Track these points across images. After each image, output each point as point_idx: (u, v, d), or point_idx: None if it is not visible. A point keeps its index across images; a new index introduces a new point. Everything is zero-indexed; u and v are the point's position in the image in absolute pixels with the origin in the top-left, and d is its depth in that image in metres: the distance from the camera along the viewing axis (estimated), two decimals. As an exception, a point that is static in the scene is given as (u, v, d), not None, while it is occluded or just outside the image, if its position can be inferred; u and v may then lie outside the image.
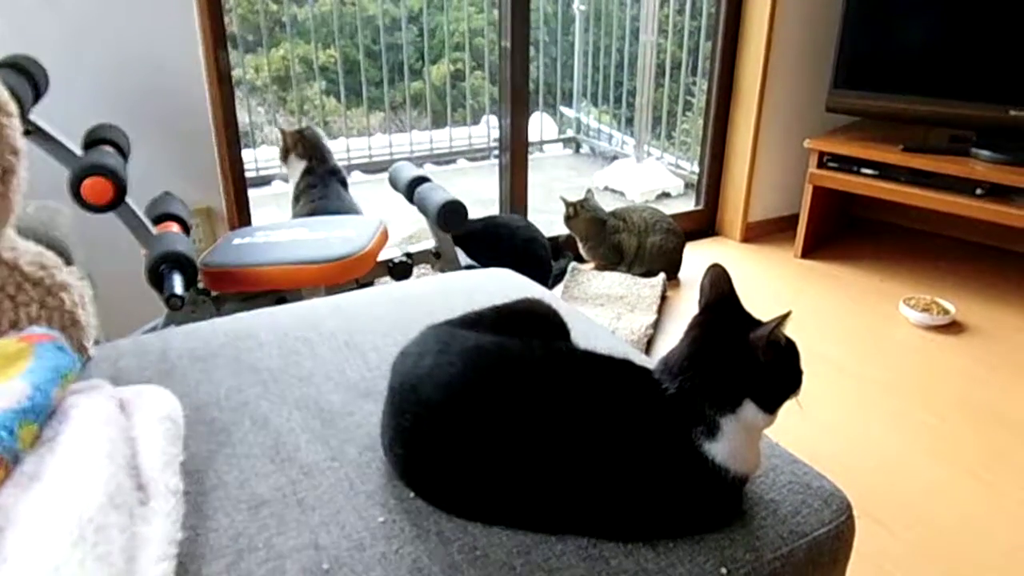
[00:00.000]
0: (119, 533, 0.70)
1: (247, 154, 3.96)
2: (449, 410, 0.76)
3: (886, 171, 2.48)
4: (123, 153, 1.50)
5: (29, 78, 1.35)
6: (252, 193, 3.82)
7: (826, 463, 1.65)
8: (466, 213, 1.69)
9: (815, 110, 2.69)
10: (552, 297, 1.30)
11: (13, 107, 0.88)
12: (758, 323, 0.76)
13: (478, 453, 0.74)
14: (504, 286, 1.33)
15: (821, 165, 2.63)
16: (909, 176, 2.43)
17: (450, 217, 1.67)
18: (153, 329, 1.63)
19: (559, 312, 0.92)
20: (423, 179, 1.81)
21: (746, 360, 0.73)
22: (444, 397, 0.76)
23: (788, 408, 0.77)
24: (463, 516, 0.76)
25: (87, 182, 1.28)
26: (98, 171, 1.29)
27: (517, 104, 2.57)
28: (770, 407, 0.75)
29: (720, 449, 0.73)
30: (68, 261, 1.05)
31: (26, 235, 1.05)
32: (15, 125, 0.89)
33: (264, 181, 3.89)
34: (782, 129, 2.83)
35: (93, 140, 1.47)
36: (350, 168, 4.23)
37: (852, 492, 1.61)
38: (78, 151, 1.44)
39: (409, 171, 1.85)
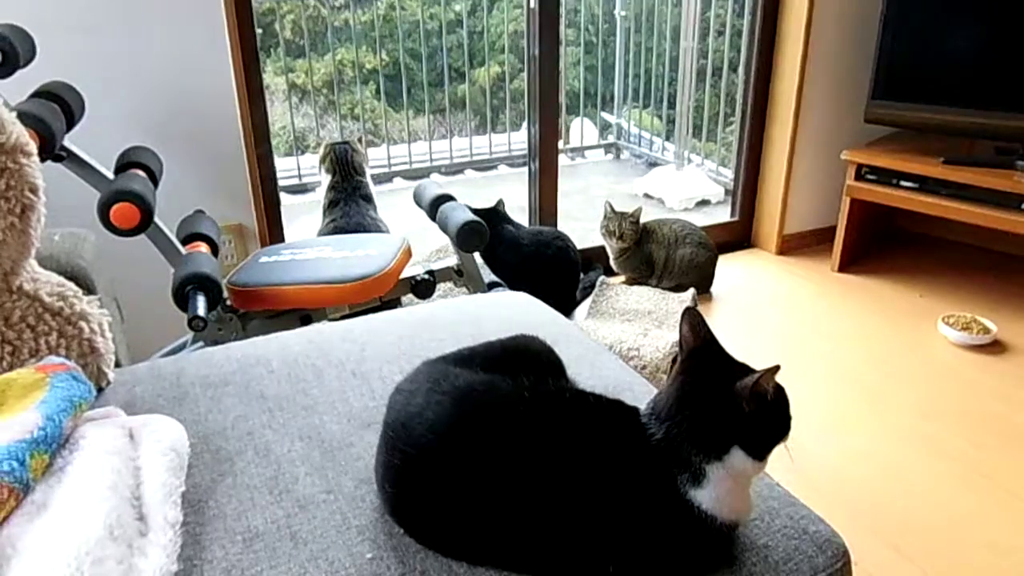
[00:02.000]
0: (116, 565, 0.72)
1: (290, 162, 4.06)
2: (437, 451, 0.77)
3: (926, 184, 2.41)
4: (154, 176, 1.55)
5: (63, 105, 1.41)
6: (296, 199, 3.93)
7: (853, 490, 1.63)
8: (487, 234, 1.69)
9: (853, 121, 2.63)
10: (566, 325, 1.30)
11: (32, 147, 0.92)
12: (744, 369, 0.75)
13: (464, 495, 0.75)
14: (518, 312, 1.33)
15: (859, 177, 2.57)
16: (950, 190, 2.36)
17: (469, 237, 1.68)
18: (183, 345, 1.68)
19: (554, 350, 0.92)
20: (446, 198, 1.82)
21: (732, 409, 0.72)
22: (432, 438, 0.78)
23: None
24: (449, 555, 0.77)
25: (115, 208, 1.32)
26: (125, 197, 1.33)
27: (546, 111, 2.57)
28: (759, 454, 0.74)
29: (706, 496, 0.73)
30: (90, 289, 1.10)
31: (50, 263, 1.10)
32: (35, 163, 0.93)
33: (305, 188, 3.97)
34: (819, 140, 2.78)
35: (125, 164, 1.53)
36: (392, 175, 4.30)
37: (878, 521, 1.58)
38: (110, 175, 1.49)
39: (433, 190, 1.87)
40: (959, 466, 1.71)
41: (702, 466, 0.73)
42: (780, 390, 0.75)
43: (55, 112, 1.33)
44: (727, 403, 0.72)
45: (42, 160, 1.25)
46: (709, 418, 0.73)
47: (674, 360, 0.82)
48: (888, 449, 1.77)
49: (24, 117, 1.22)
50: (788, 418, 0.76)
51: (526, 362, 0.89)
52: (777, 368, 0.70)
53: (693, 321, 0.79)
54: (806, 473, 1.64)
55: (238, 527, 0.82)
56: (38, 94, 1.39)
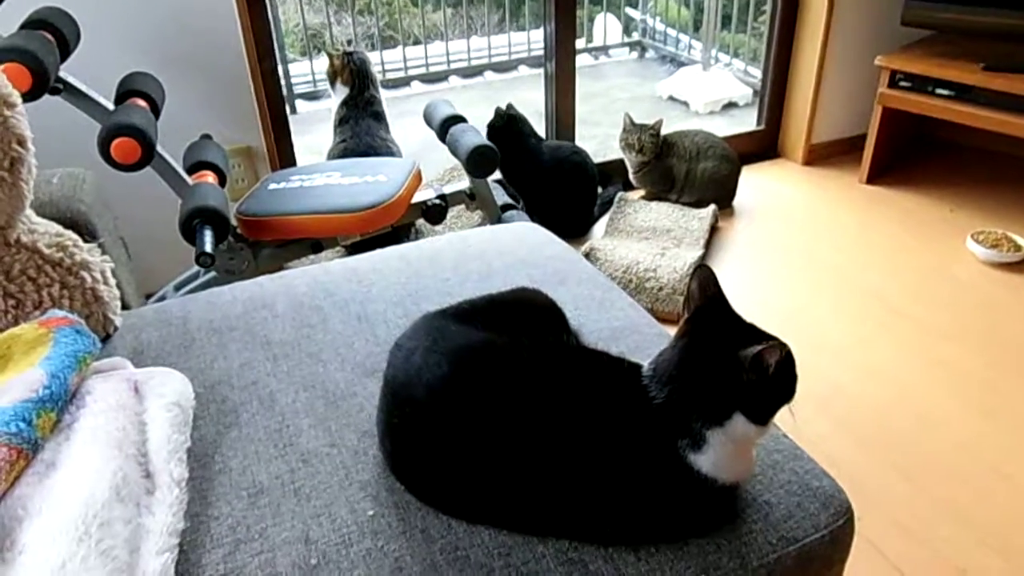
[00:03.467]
0: (124, 526, 0.74)
1: (304, 66, 3.95)
2: (434, 412, 0.77)
3: (964, 92, 2.28)
4: (155, 104, 1.51)
5: (57, 35, 1.36)
6: (312, 106, 3.83)
7: (866, 411, 1.63)
8: (497, 160, 1.65)
9: (889, 23, 2.47)
10: (575, 260, 1.27)
11: (16, 96, 0.89)
12: (751, 333, 0.73)
13: (462, 455, 0.75)
14: (527, 247, 1.30)
15: (892, 84, 2.43)
16: (990, 98, 2.23)
17: (479, 163, 1.63)
18: (196, 275, 1.68)
19: (556, 304, 0.90)
20: (457, 119, 1.76)
21: (734, 375, 0.70)
22: (429, 399, 0.77)
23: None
24: (448, 513, 0.78)
25: (115, 143, 1.29)
26: (125, 131, 1.30)
27: (563, 7, 2.41)
28: (761, 420, 0.72)
29: (706, 460, 0.72)
30: (92, 234, 1.08)
31: (49, 209, 1.08)
32: (20, 113, 0.90)
33: (318, 95, 3.87)
34: (852, 43, 2.62)
35: (125, 92, 1.48)
36: (408, 79, 4.18)
37: (885, 442, 1.58)
38: (110, 106, 1.45)
39: (443, 110, 1.80)
40: (976, 391, 1.68)
41: (703, 431, 0.71)
42: (787, 356, 0.73)
43: (47, 44, 1.28)
44: (729, 370, 0.70)
45: (37, 97, 1.22)
46: (710, 384, 0.72)
47: (690, 283, 0.80)
48: (905, 370, 1.75)
49: (13, 52, 1.19)
50: (793, 383, 0.74)
51: (528, 318, 0.87)
52: (783, 344, 0.68)
53: (703, 278, 0.76)
54: (820, 394, 1.63)
55: (243, 482, 0.83)
56: (28, 23, 1.34)
